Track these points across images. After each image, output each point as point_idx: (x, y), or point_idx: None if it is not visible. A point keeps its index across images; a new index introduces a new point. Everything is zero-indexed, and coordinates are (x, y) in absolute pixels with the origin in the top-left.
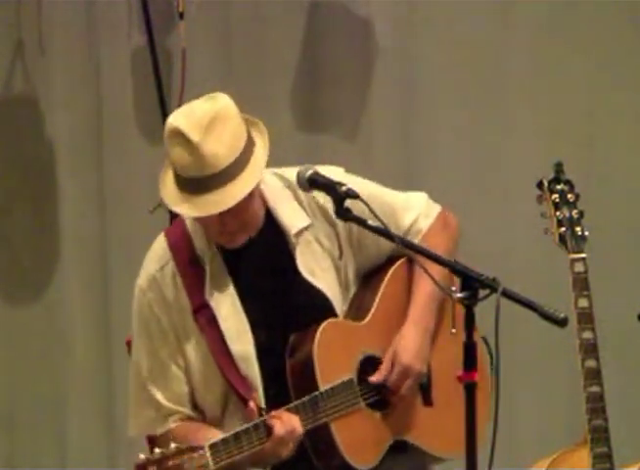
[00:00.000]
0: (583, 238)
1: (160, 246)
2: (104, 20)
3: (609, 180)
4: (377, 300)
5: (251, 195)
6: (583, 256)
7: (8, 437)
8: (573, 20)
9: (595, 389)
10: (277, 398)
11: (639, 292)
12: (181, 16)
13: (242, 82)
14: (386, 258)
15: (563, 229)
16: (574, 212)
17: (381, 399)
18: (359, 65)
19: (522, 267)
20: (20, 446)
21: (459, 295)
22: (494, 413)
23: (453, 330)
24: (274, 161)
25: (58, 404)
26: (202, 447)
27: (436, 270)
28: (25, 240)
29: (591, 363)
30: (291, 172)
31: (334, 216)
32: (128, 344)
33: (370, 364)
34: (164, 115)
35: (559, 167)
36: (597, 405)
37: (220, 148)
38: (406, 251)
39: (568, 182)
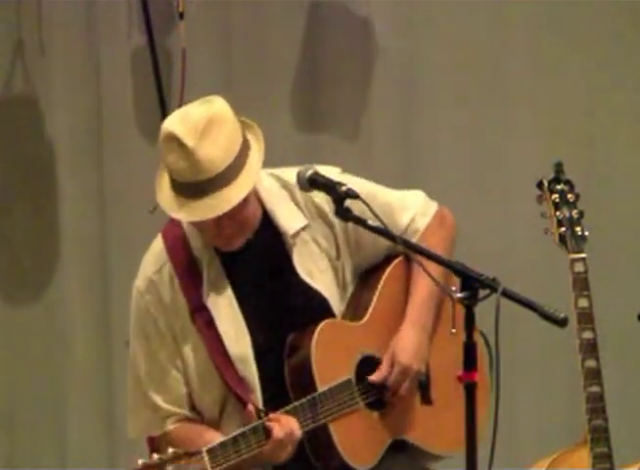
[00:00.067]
0: (583, 238)
1: (157, 247)
2: (104, 20)
3: (609, 180)
4: (374, 299)
5: (246, 198)
6: (583, 256)
7: (8, 437)
8: (573, 20)
9: (595, 389)
10: (276, 399)
11: (639, 292)
12: (181, 16)
13: (242, 82)
14: (383, 258)
15: (563, 229)
16: (574, 212)
17: (379, 398)
18: (359, 65)
19: (522, 267)
20: (20, 446)
21: (459, 295)
22: (494, 413)
23: (453, 330)
24: (274, 161)
25: (58, 404)
26: (200, 452)
27: (433, 268)
28: (25, 240)
29: (591, 363)
30: (287, 173)
31: (330, 216)
32: (128, 344)
33: (368, 364)
34: (164, 115)
35: (559, 167)
36: (597, 405)
37: (215, 152)
38: (406, 251)
39: (568, 182)
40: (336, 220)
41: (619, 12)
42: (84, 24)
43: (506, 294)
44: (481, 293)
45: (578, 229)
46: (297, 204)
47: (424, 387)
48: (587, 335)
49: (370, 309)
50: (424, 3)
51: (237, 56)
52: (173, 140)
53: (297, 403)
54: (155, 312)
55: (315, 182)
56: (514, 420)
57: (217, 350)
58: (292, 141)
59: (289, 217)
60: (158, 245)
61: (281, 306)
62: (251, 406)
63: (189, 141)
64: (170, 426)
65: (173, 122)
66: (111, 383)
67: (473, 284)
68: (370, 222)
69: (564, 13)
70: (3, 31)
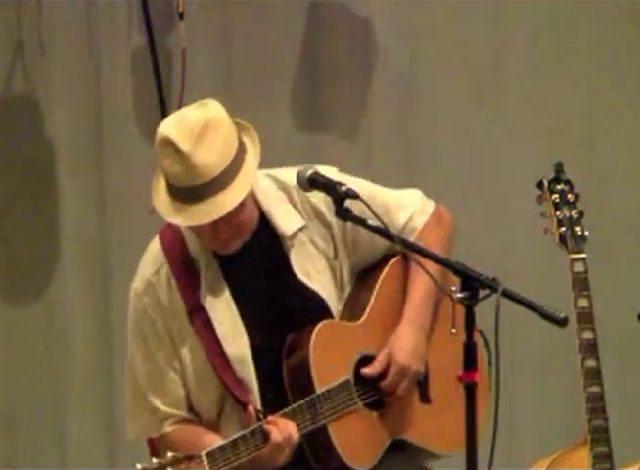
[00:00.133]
0: (583, 238)
1: (154, 248)
2: (104, 20)
3: (609, 180)
4: (372, 299)
5: (243, 202)
6: (583, 256)
7: (8, 437)
8: (573, 20)
9: (595, 389)
10: (274, 400)
11: (639, 292)
12: (181, 16)
13: (242, 82)
14: (380, 257)
15: (563, 229)
16: (574, 212)
17: (378, 398)
18: (359, 65)
19: (522, 267)
20: (20, 446)
21: (459, 295)
22: (494, 413)
23: (453, 330)
24: (274, 161)
25: (58, 404)
26: (199, 456)
27: (430, 267)
28: (25, 240)
29: (591, 363)
30: (284, 174)
31: (327, 217)
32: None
33: (366, 364)
34: (164, 115)
35: (559, 167)
36: (597, 405)
37: (211, 157)
38: (406, 251)
39: (568, 182)
40: (333, 220)
41: (619, 12)
42: (84, 24)
43: (506, 294)
44: (481, 293)
45: (578, 229)
46: (294, 205)
47: (422, 385)
48: (587, 335)
49: (368, 309)
50: (424, 3)
51: (237, 56)
52: (169, 145)
53: (295, 405)
54: (152, 314)
55: (315, 182)
56: (514, 420)
57: (215, 351)
58: (292, 141)
59: (286, 219)
60: (155, 246)
61: (279, 307)
62: (251, 408)
63: (184, 146)
64: (169, 428)
65: (169, 127)
66: (111, 383)
67: (473, 284)
68: (370, 222)
69: (564, 13)
70: (3, 31)
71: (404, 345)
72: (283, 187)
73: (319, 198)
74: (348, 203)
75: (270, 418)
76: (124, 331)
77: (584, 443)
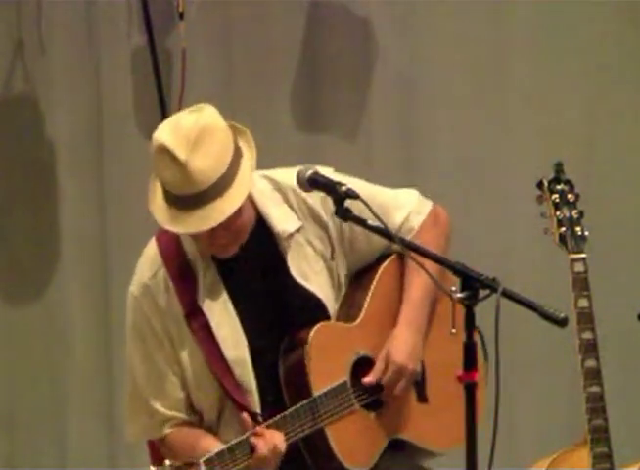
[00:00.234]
0: (583, 238)
1: (151, 251)
2: (104, 20)
3: (609, 180)
4: (368, 299)
5: (240, 207)
6: (583, 256)
7: (8, 437)
8: (573, 20)
9: (595, 389)
10: (273, 402)
11: (639, 292)
12: (181, 16)
13: (242, 82)
14: (377, 257)
15: (563, 229)
16: (574, 212)
17: (375, 399)
18: (359, 65)
19: (522, 267)
20: (20, 446)
21: (459, 295)
22: (494, 413)
23: (453, 330)
24: (274, 161)
25: (58, 404)
26: (197, 464)
27: (429, 266)
28: (25, 240)
29: (591, 363)
30: (280, 175)
31: (324, 217)
32: None
33: (363, 365)
34: (164, 115)
35: (559, 167)
36: (597, 405)
37: (208, 164)
38: (405, 250)
39: (568, 182)
40: (329, 221)
41: (619, 12)
42: (84, 24)
43: (506, 294)
44: (481, 293)
45: (578, 229)
46: (290, 206)
47: (419, 384)
48: (587, 335)
49: (364, 309)
50: (424, 3)
51: (237, 56)
52: (165, 152)
53: (292, 409)
54: (151, 317)
55: (316, 182)
56: (514, 420)
57: (214, 354)
58: (292, 141)
59: (282, 220)
60: (152, 249)
61: (276, 309)
62: (245, 415)
63: (181, 154)
64: (168, 430)
65: (164, 133)
66: (111, 383)
67: (473, 284)
68: (370, 222)
69: (564, 13)
70: (3, 31)
71: (401, 345)
72: (279, 188)
73: (315, 199)
74: (348, 203)
75: (258, 429)
76: (124, 331)
77: (584, 443)
